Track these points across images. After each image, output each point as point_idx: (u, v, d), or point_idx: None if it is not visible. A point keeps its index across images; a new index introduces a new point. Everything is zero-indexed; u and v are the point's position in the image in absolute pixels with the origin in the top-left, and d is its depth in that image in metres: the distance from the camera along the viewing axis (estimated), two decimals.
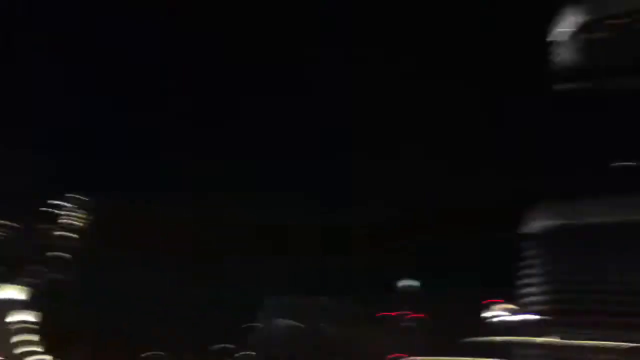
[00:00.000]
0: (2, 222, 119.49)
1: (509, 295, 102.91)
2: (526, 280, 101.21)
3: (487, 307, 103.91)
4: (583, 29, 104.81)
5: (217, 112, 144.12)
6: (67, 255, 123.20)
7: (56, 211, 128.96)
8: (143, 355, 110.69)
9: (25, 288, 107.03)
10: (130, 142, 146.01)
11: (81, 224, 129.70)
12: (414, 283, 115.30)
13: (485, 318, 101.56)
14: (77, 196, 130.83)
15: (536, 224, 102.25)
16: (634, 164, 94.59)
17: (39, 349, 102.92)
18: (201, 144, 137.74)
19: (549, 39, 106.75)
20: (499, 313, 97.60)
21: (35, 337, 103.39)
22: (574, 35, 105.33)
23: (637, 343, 77.54)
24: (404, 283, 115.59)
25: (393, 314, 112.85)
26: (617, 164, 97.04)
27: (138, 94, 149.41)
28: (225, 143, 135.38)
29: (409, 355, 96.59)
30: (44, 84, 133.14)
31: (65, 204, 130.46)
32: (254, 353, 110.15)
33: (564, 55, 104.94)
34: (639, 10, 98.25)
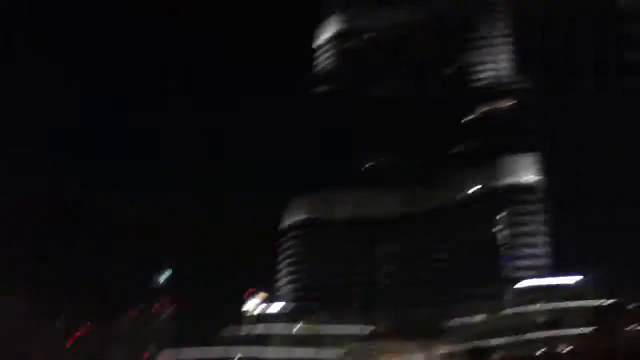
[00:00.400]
0: None
1: (268, 285, 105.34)
2: (282, 272, 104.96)
3: (245, 298, 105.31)
4: (340, 38, 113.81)
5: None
6: None
7: None
8: None
9: None
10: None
11: None
12: (167, 274, 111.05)
13: (243, 308, 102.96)
14: None
15: (291, 218, 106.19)
16: (380, 160, 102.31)
17: None
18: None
19: (314, 45, 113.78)
20: (256, 303, 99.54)
21: None
22: (333, 43, 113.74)
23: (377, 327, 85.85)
24: (157, 275, 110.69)
25: (146, 307, 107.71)
26: (365, 160, 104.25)
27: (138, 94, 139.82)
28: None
29: (165, 348, 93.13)
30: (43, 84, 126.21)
31: None
32: None
33: (324, 61, 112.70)
34: (387, 26, 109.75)
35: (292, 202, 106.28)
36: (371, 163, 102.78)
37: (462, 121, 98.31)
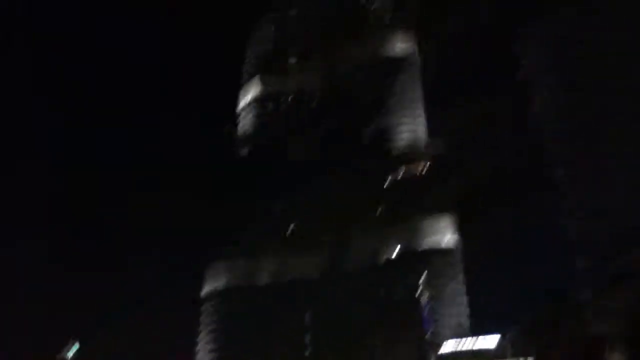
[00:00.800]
0: None
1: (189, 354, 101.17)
2: (202, 340, 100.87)
3: None
4: (259, 101, 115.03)
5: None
6: None
7: None
8: None
9: None
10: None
11: None
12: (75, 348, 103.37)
13: None
14: None
15: (209, 285, 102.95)
16: (299, 224, 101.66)
17: None
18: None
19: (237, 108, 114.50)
20: None
21: None
22: (253, 106, 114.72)
23: None
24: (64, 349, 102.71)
25: None
26: (284, 224, 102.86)
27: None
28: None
29: None
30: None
31: None
32: None
33: (245, 123, 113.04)
34: (302, 90, 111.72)
35: (210, 269, 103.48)
36: (291, 226, 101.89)
37: (379, 183, 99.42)
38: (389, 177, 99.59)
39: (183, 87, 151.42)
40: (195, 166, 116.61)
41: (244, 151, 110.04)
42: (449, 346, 77.74)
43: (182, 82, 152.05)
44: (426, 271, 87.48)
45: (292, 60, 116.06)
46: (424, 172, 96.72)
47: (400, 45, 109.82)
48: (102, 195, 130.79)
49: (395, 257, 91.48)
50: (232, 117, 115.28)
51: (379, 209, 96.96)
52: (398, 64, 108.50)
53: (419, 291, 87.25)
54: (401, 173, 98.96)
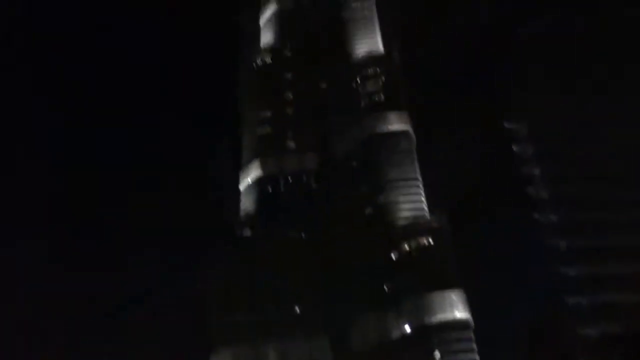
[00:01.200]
0: None
1: None
2: None
3: None
4: (260, 183, 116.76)
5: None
6: None
7: None
8: None
9: None
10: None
11: None
12: None
13: None
14: None
15: None
16: (307, 306, 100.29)
17: None
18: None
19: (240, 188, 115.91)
20: None
21: None
22: (254, 187, 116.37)
23: None
24: None
25: None
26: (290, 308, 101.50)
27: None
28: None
29: None
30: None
31: None
32: None
33: (246, 204, 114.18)
34: (303, 170, 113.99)
35: (215, 354, 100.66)
36: (297, 310, 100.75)
37: (383, 261, 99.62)
38: (393, 254, 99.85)
39: (183, 87, 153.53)
40: (195, 166, 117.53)
41: (246, 232, 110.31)
42: None
43: (182, 82, 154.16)
44: (439, 346, 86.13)
45: (291, 144, 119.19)
46: (428, 247, 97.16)
47: (395, 124, 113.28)
48: (102, 195, 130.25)
49: (407, 333, 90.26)
50: (233, 197, 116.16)
51: (385, 286, 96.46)
52: (394, 139, 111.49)
53: None
54: (405, 249, 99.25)
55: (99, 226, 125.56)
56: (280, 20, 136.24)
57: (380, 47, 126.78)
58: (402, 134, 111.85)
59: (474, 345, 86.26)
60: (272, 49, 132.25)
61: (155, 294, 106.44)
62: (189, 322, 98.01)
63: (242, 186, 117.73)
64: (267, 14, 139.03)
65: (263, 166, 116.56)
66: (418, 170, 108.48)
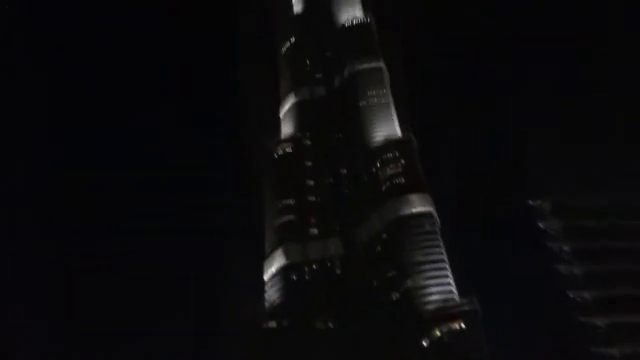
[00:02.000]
0: None
1: None
2: None
3: None
4: (284, 271, 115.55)
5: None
6: None
7: None
8: None
9: None
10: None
11: None
12: None
13: None
14: None
15: None
16: None
17: None
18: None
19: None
20: None
21: None
22: (279, 277, 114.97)
23: None
24: None
25: None
26: None
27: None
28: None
29: None
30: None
31: None
32: None
33: (271, 294, 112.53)
34: (325, 258, 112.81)
35: None
36: None
37: (413, 349, 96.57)
38: (423, 340, 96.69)
39: (183, 87, 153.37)
40: (195, 166, 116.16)
41: (272, 323, 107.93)
42: None
43: (182, 83, 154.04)
44: None
45: (314, 231, 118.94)
46: (461, 331, 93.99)
47: (418, 206, 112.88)
48: (102, 195, 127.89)
49: None
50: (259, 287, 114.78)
51: None
52: (417, 221, 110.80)
53: None
54: (436, 334, 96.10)
55: (98, 226, 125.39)
56: (299, 111, 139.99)
57: (397, 131, 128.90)
58: (426, 215, 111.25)
59: None
60: (292, 139, 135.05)
61: None
62: None
63: (266, 276, 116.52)
64: (287, 105, 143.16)
65: (287, 254, 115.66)
66: (444, 252, 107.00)
